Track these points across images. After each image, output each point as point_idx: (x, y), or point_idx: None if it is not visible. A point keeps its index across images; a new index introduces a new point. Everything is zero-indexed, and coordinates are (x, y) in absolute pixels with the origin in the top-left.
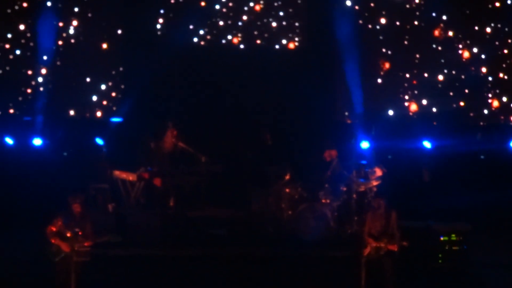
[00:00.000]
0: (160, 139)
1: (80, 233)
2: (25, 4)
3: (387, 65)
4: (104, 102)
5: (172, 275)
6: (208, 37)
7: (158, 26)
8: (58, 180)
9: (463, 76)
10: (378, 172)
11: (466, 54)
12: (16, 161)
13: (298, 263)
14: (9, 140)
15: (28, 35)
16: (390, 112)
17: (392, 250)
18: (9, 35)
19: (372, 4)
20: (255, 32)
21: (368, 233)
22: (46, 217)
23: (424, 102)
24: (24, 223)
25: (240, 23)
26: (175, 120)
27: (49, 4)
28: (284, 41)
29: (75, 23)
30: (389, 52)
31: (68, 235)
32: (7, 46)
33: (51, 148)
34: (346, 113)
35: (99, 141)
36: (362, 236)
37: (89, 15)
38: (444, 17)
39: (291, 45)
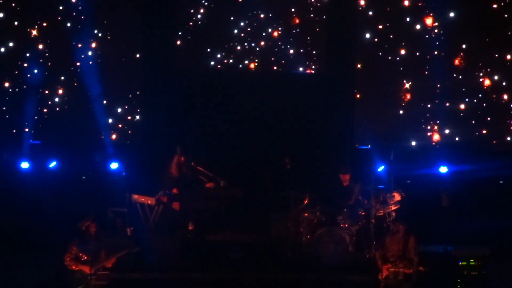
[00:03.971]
0: (169, 164)
1: (103, 254)
2: (44, 24)
3: (408, 96)
4: (120, 125)
5: None
6: (225, 61)
7: (176, 49)
8: (76, 204)
9: (484, 104)
10: (397, 196)
11: (487, 82)
12: (33, 185)
13: (316, 287)
14: (24, 165)
15: (47, 54)
16: (413, 143)
17: (409, 275)
18: (28, 54)
19: (391, 36)
20: (272, 58)
21: (383, 257)
22: (65, 242)
23: (447, 131)
24: (43, 248)
25: (257, 49)
26: (182, 146)
27: (68, 25)
28: (301, 68)
29: (93, 45)
30: (410, 83)
31: (86, 258)
32: (25, 64)
33: (68, 172)
34: (365, 139)
35: (115, 165)
36: (375, 259)
37: (108, 37)
38: (464, 46)
39: (308, 72)
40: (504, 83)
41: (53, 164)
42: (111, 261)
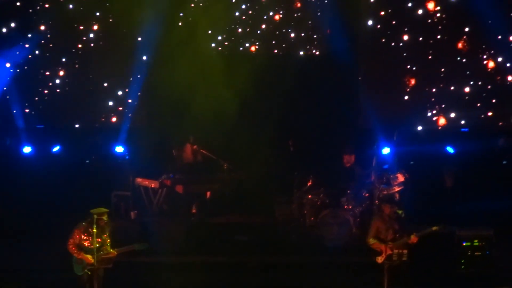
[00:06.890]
0: (180, 149)
1: (106, 245)
2: (47, 5)
3: (412, 81)
4: (120, 108)
5: (195, 282)
6: (226, 43)
7: (177, 31)
8: (80, 188)
9: (489, 86)
10: (400, 178)
11: (491, 64)
12: (36, 170)
13: (321, 269)
14: (27, 149)
15: (48, 36)
16: (419, 128)
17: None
18: (29, 35)
19: (393, 22)
20: (273, 42)
21: (378, 239)
22: (68, 227)
23: (452, 115)
24: (47, 233)
25: (258, 32)
26: (196, 136)
27: (71, 6)
28: (302, 52)
29: (95, 27)
30: (414, 68)
31: (90, 246)
32: (27, 45)
33: (72, 156)
34: (368, 120)
35: (120, 148)
36: (370, 243)
37: (110, 20)
38: (467, 29)
39: (311, 54)
40: (508, 65)
41: (56, 148)
42: (113, 254)
